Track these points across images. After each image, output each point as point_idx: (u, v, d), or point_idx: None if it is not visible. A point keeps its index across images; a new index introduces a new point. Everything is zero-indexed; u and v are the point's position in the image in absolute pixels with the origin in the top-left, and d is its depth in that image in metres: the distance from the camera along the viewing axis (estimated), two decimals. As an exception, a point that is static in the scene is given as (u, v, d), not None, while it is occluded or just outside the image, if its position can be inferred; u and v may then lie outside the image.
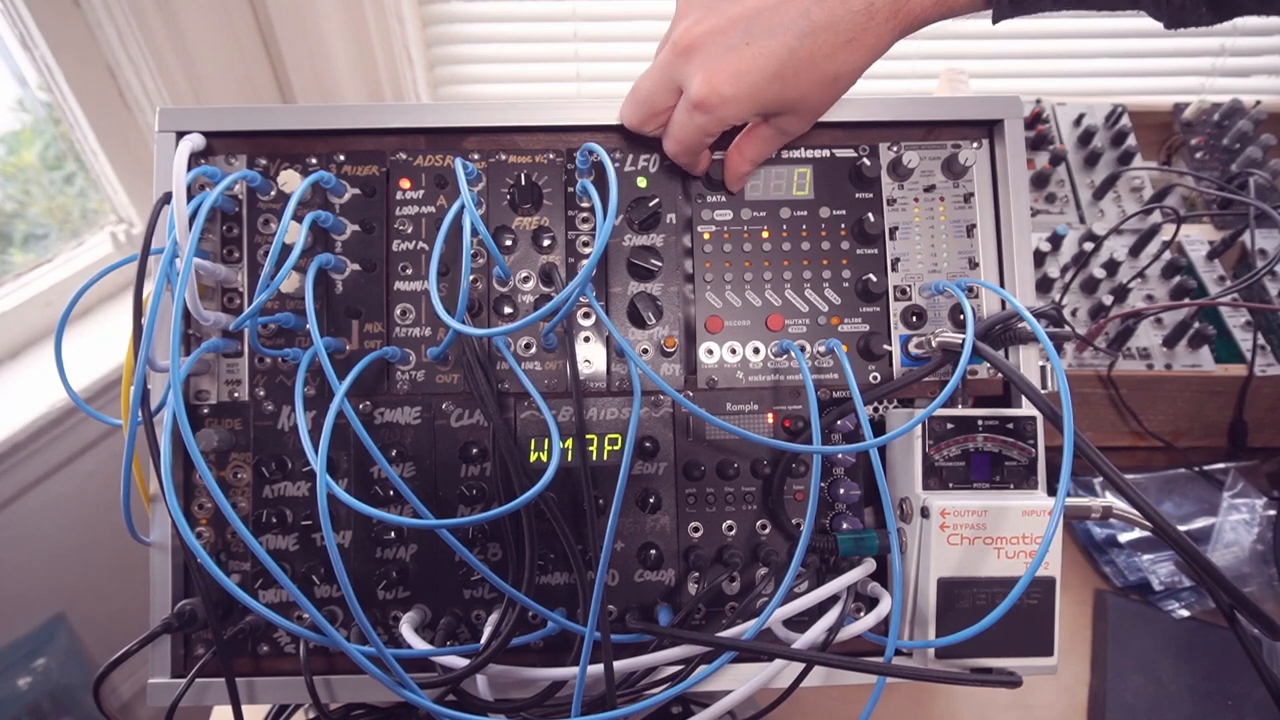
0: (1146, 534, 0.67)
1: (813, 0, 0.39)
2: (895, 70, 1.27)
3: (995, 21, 0.41)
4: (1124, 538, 0.69)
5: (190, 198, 0.42)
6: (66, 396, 0.47)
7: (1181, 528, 0.56)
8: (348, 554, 0.47)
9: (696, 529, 0.47)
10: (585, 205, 0.48)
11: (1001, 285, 0.49)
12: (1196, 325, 0.70)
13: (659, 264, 0.47)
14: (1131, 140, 0.90)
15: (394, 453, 0.46)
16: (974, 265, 0.49)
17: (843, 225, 0.49)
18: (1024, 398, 0.43)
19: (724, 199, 0.49)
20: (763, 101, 0.41)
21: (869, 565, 0.45)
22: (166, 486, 0.37)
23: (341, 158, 0.47)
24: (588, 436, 0.47)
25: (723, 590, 0.47)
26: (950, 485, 0.44)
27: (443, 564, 0.47)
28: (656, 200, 0.48)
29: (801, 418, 0.48)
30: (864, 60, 0.41)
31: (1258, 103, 0.94)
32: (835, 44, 0.39)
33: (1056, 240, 0.78)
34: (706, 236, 0.48)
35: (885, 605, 0.43)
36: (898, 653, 0.42)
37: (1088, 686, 0.61)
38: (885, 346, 0.47)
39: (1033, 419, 0.44)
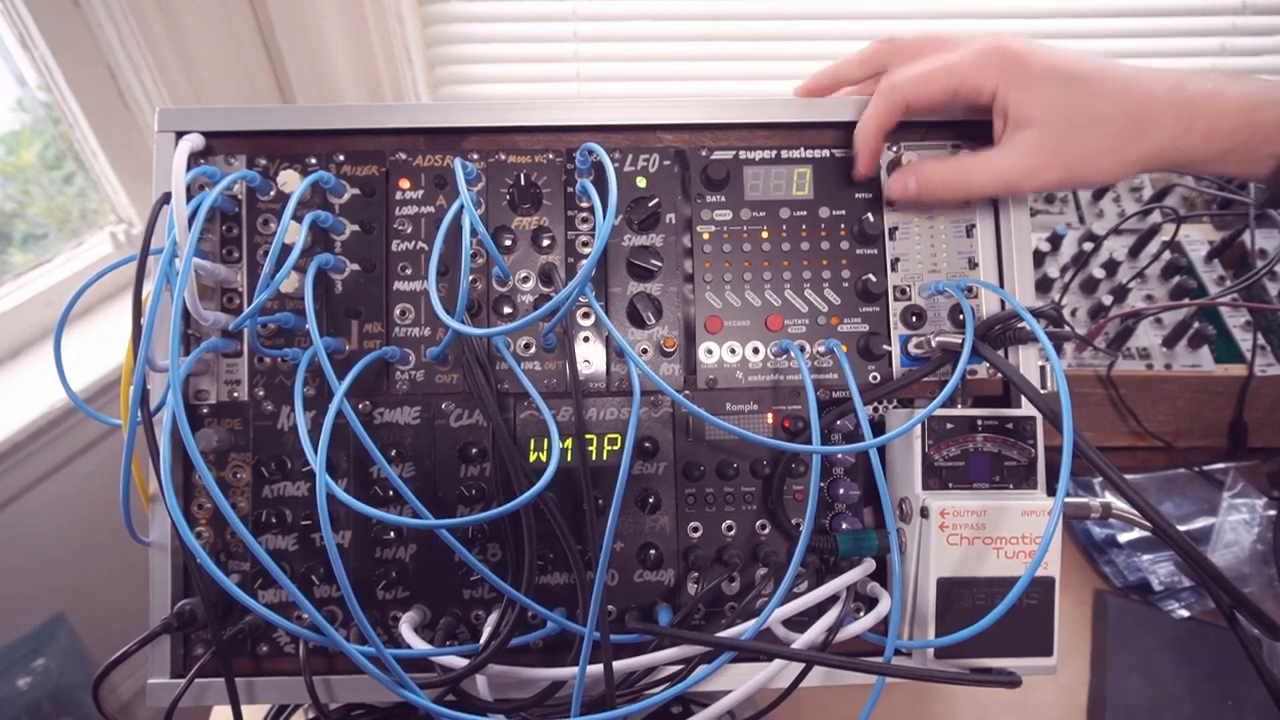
0: (1146, 534, 0.67)
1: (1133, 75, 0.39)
2: (895, 70, 1.27)
3: (1264, 204, 0.41)
4: (1124, 538, 0.68)
5: (190, 198, 0.42)
6: (66, 396, 0.47)
7: (1181, 528, 0.56)
8: (347, 554, 0.47)
9: (696, 529, 0.47)
10: (585, 205, 0.48)
11: (1001, 285, 0.49)
12: (1196, 325, 0.70)
13: (659, 264, 0.47)
14: (1131, 140, 0.90)
15: (393, 453, 0.46)
16: (973, 265, 0.49)
17: (842, 225, 0.49)
18: (1023, 398, 0.43)
19: (724, 199, 0.49)
20: (1024, 84, 0.40)
21: (868, 565, 0.45)
22: (166, 486, 0.37)
23: (341, 158, 0.47)
24: (587, 436, 0.47)
25: (722, 590, 0.47)
26: (950, 485, 0.44)
27: (442, 564, 0.47)
28: (656, 200, 0.48)
29: (801, 418, 0.48)
30: (1137, 125, 0.39)
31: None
32: (1121, 89, 0.39)
33: (1056, 240, 0.78)
34: (706, 236, 0.48)
35: (885, 605, 0.43)
36: (897, 653, 0.42)
37: (1088, 686, 0.61)
38: (885, 346, 0.47)
39: (1032, 419, 0.44)
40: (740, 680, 0.42)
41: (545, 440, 0.47)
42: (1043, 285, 0.75)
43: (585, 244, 0.48)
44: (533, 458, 0.47)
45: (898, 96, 0.43)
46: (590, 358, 0.48)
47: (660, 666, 0.43)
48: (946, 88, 0.42)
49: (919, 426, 0.43)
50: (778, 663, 0.43)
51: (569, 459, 0.46)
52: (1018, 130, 0.41)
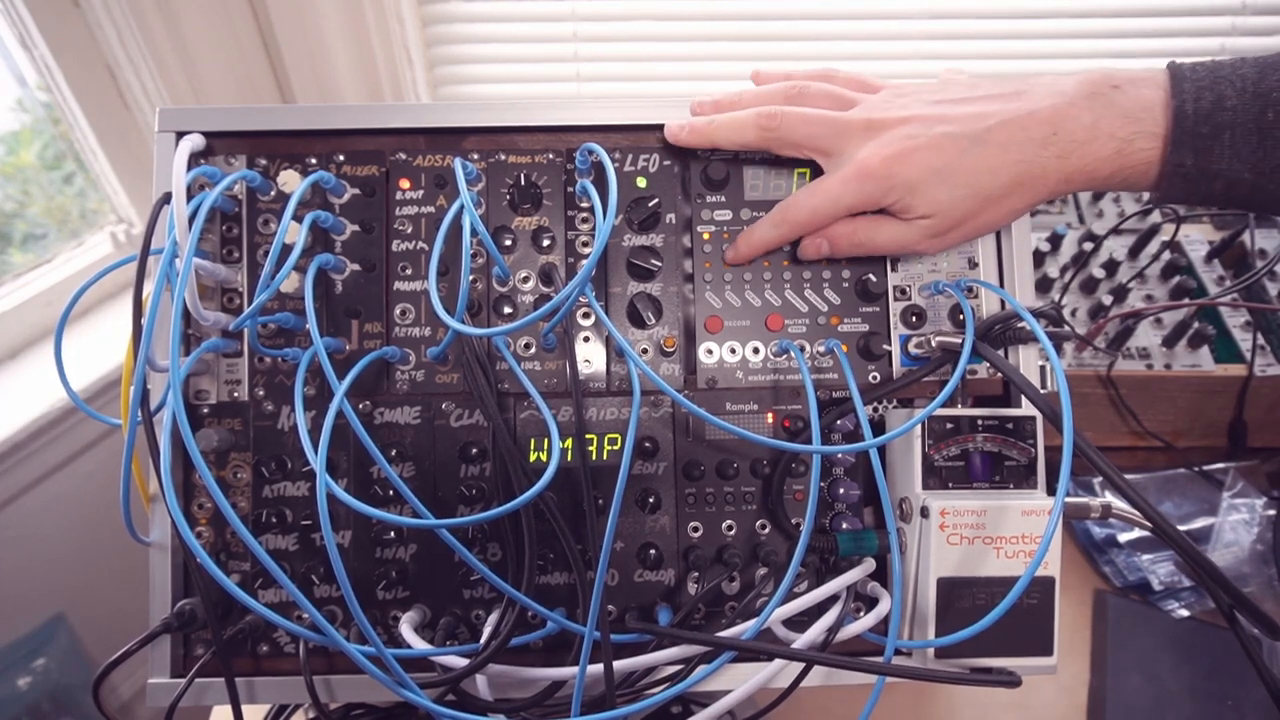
0: (1146, 534, 0.67)
1: (996, 122, 0.41)
2: (895, 71, 1.27)
3: (1157, 204, 0.42)
4: (1124, 537, 0.68)
5: (190, 198, 0.42)
6: (66, 396, 0.47)
7: (1181, 528, 0.56)
8: (347, 554, 0.47)
9: (696, 529, 0.47)
10: (585, 205, 0.48)
11: (1001, 285, 0.49)
12: (1196, 325, 0.70)
13: (659, 264, 0.47)
14: (1131, 140, 0.90)
15: (394, 453, 0.46)
16: (973, 265, 0.49)
17: (842, 225, 0.49)
18: (1023, 397, 0.43)
19: (724, 199, 0.49)
20: (916, 191, 0.42)
21: (868, 565, 0.45)
22: (166, 486, 0.37)
23: (341, 158, 0.47)
24: (587, 436, 0.47)
25: (722, 590, 0.47)
26: (950, 485, 0.44)
27: (442, 564, 0.47)
28: (656, 200, 0.48)
29: (801, 418, 0.48)
30: (1022, 185, 0.41)
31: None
32: (1002, 162, 0.41)
33: (1056, 240, 0.78)
34: (706, 236, 0.48)
35: (885, 605, 0.43)
36: (897, 652, 0.42)
37: (1087, 686, 0.61)
38: (885, 346, 0.47)
39: (1032, 419, 0.44)
40: (740, 680, 0.42)
41: (545, 440, 0.47)
42: (1043, 285, 0.76)
43: (585, 244, 0.48)
44: (533, 457, 0.47)
45: (775, 124, 0.45)
46: (590, 358, 0.48)
47: (660, 666, 0.43)
48: (831, 218, 0.45)
49: (919, 426, 0.43)
50: (778, 663, 0.43)
51: (569, 459, 0.46)
52: (916, 218, 0.44)
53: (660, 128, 0.49)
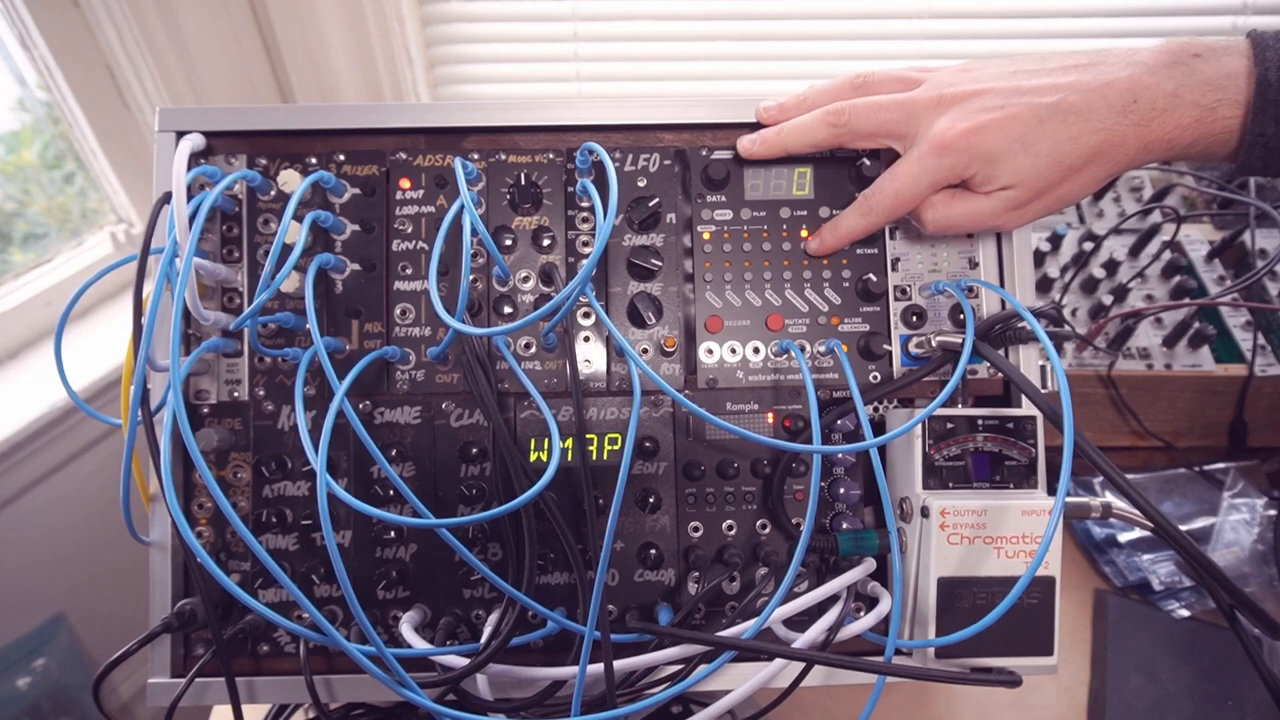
0: (1146, 534, 0.67)
1: (1075, 91, 0.41)
2: (895, 70, 1.27)
3: (1234, 177, 0.42)
4: (1124, 537, 0.68)
5: (190, 197, 0.42)
6: (66, 396, 0.47)
7: (1181, 528, 0.56)
8: (348, 554, 0.47)
9: (696, 529, 0.47)
10: (585, 205, 0.48)
11: (1001, 285, 0.49)
12: (1196, 325, 0.70)
13: (659, 264, 0.47)
14: (1131, 140, 0.90)
15: (394, 452, 0.46)
16: (974, 265, 0.49)
17: (843, 225, 0.49)
18: (1024, 397, 0.43)
19: (724, 199, 0.49)
20: (998, 161, 0.42)
21: (869, 565, 0.45)
22: (166, 486, 0.37)
23: (341, 157, 0.47)
24: (588, 436, 0.47)
25: (723, 590, 0.47)
26: (950, 485, 0.44)
27: (443, 564, 0.47)
28: (656, 200, 0.48)
29: (801, 417, 0.48)
30: (1103, 154, 0.41)
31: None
32: (1082, 130, 0.41)
33: (1056, 240, 0.78)
34: (706, 236, 0.48)
35: (885, 605, 0.43)
36: (898, 652, 0.42)
37: (1088, 686, 0.61)
38: (885, 346, 0.47)
39: (1033, 419, 0.44)
40: (740, 680, 0.42)
41: (545, 440, 0.47)
42: (1043, 285, 0.76)
43: (585, 244, 0.48)
44: (533, 457, 0.47)
45: (844, 119, 0.45)
46: (590, 357, 0.48)
47: (660, 666, 0.43)
48: (915, 200, 0.45)
49: (919, 426, 0.43)
50: (778, 662, 0.43)
51: (569, 459, 0.46)
52: (997, 190, 0.43)
53: (661, 127, 0.49)
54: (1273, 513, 0.69)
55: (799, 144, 0.46)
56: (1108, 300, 0.72)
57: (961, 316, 0.47)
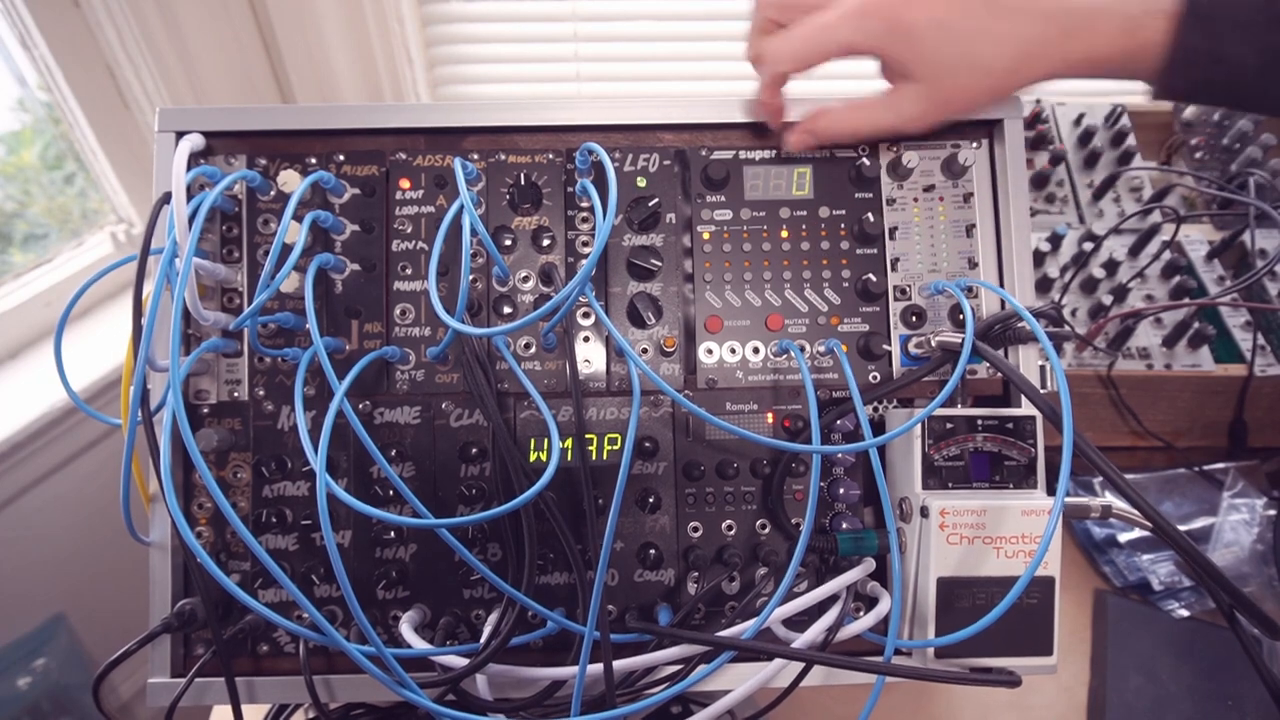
0: (1146, 534, 0.67)
1: None
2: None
3: (1157, 96, 0.41)
4: (1124, 537, 0.68)
5: (190, 198, 0.42)
6: (66, 396, 0.47)
7: (1181, 528, 0.56)
8: (347, 554, 0.47)
9: (696, 529, 0.47)
10: (585, 205, 0.48)
11: (1001, 285, 0.49)
12: (1196, 325, 0.70)
13: (659, 264, 0.47)
14: (1131, 140, 0.90)
15: (394, 452, 0.46)
16: (973, 265, 0.49)
17: (842, 225, 0.49)
18: (1023, 397, 0.43)
19: (723, 199, 0.49)
20: (915, 43, 0.40)
21: (868, 565, 0.45)
22: (166, 486, 0.37)
23: (341, 158, 0.47)
24: (587, 436, 0.47)
25: (722, 590, 0.47)
26: (950, 485, 0.44)
27: (442, 564, 0.47)
28: (656, 200, 0.48)
29: (801, 417, 0.48)
30: (1019, 64, 0.40)
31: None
32: (1006, 31, 0.39)
33: (1056, 240, 0.78)
34: (706, 236, 0.48)
35: (885, 605, 0.43)
36: (897, 652, 0.42)
37: (1087, 686, 0.61)
38: (885, 346, 0.47)
39: (1032, 419, 0.44)
40: (740, 680, 0.42)
41: (545, 440, 0.47)
42: (1043, 285, 0.76)
43: (585, 244, 0.48)
44: (533, 457, 0.47)
45: (778, 69, 0.44)
46: (590, 357, 0.48)
47: (660, 666, 0.43)
48: (824, 53, 0.43)
49: (919, 426, 0.43)
50: (778, 662, 0.43)
51: (569, 459, 0.46)
52: (904, 83, 0.42)
53: (661, 127, 0.49)
54: (1272, 513, 0.69)
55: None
56: (1107, 300, 0.72)
57: (961, 316, 0.47)
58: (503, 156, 0.48)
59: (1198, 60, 0.38)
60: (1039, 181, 0.88)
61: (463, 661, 0.41)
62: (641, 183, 0.48)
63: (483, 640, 0.42)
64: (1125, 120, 0.92)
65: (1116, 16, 0.38)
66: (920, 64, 0.41)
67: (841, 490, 0.47)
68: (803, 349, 0.47)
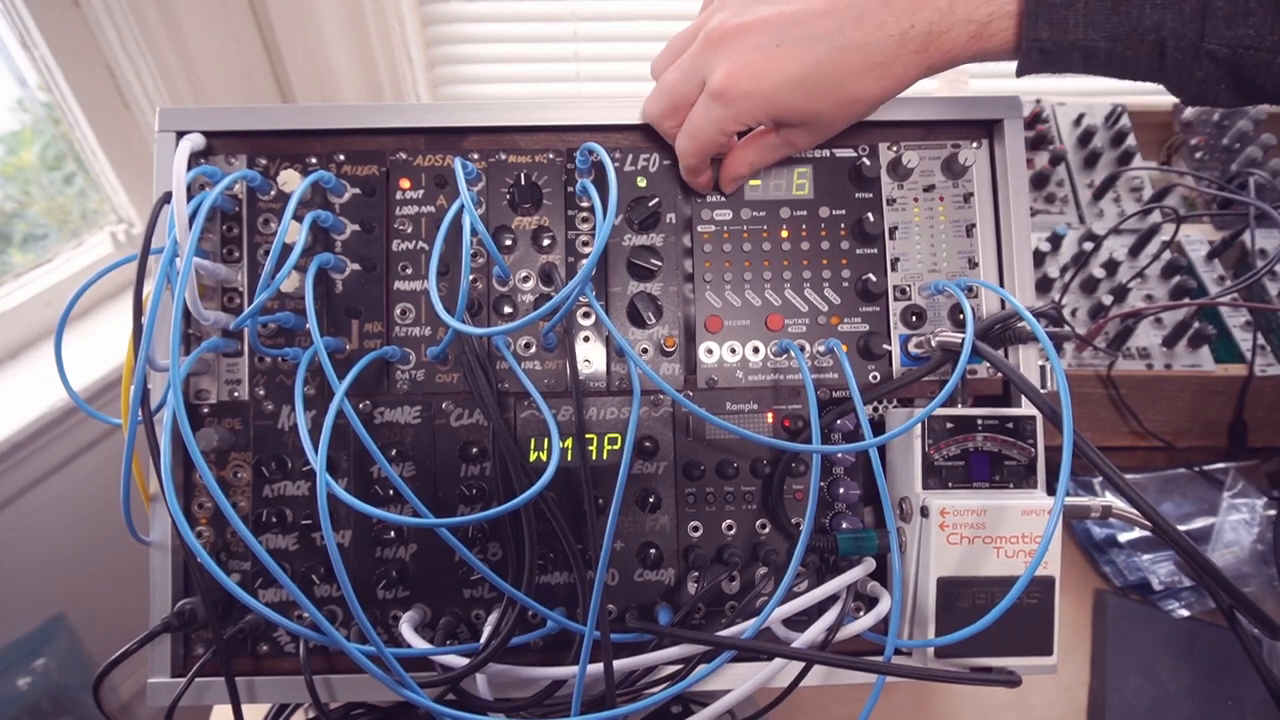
0: (1146, 534, 0.67)
1: (850, 19, 0.39)
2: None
3: (1020, 75, 0.41)
4: (1124, 537, 0.69)
5: (190, 197, 0.42)
6: (66, 396, 0.47)
7: (1181, 528, 0.56)
8: (347, 553, 0.47)
9: (696, 528, 0.47)
10: (585, 205, 0.48)
11: (1001, 285, 0.49)
12: (1196, 325, 0.70)
13: (659, 264, 0.47)
14: (1131, 140, 0.90)
15: (394, 452, 0.46)
16: (973, 265, 0.49)
17: (842, 225, 0.49)
18: (1023, 397, 0.43)
19: (724, 199, 0.49)
20: (779, 106, 0.41)
21: (868, 564, 0.45)
22: (166, 486, 0.37)
23: (341, 157, 0.47)
24: (587, 436, 0.47)
25: (722, 590, 0.47)
26: (950, 485, 0.44)
27: (442, 563, 0.47)
28: (656, 200, 0.48)
29: (801, 417, 0.48)
30: (886, 88, 0.41)
31: (1258, 102, 0.94)
32: (862, 65, 0.40)
33: (1056, 240, 0.78)
34: (706, 236, 0.48)
35: (885, 604, 0.43)
36: (897, 652, 0.42)
37: (1087, 686, 0.61)
38: (885, 346, 0.48)
39: (1032, 418, 0.44)
40: (740, 680, 0.42)
41: (545, 440, 0.47)
42: (1043, 285, 0.76)
43: (585, 244, 0.48)
44: (533, 457, 0.47)
45: (691, 162, 0.46)
46: (590, 357, 0.48)
47: (660, 666, 0.43)
48: (717, 144, 0.45)
49: (919, 426, 0.43)
50: (778, 662, 0.43)
51: (569, 458, 0.46)
52: (788, 128, 0.44)
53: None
54: (1272, 513, 0.69)
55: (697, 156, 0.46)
56: (1107, 300, 0.72)
57: (961, 316, 0.47)
58: (503, 156, 0.48)
59: (1048, 49, 0.39)
60: (1039, 181, 0.88)
61: (463, 661, 0.41)
62: (642, 182, 0.48)
63: (483, 640, 0.42)
64: (1125, 120, 0.92)
65: (966, 24, 0.39)
66: (798, 116, 0.43)
67: (841, 490, 0.47)
68: (803, 349, 0.47)
